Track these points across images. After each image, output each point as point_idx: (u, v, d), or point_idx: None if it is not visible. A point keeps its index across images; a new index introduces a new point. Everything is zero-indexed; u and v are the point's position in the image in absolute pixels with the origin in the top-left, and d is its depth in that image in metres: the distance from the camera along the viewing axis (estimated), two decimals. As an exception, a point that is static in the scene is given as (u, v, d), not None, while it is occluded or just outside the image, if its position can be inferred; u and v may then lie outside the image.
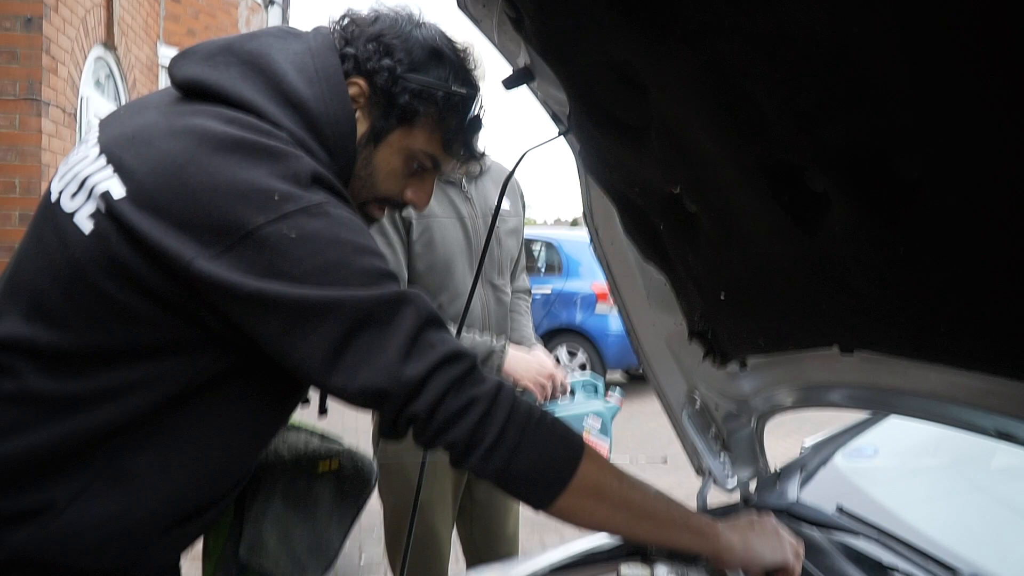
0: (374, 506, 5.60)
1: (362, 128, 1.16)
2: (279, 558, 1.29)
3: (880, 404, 1.21)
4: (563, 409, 2.26)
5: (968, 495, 1.46)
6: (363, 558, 4.26)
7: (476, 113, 1.21)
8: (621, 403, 2.43)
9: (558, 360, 10.13)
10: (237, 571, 1.29)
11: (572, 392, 2.34)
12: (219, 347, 1.02)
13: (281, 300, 0.94)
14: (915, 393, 1.02)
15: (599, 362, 9.10)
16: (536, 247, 10.42)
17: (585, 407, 2.34)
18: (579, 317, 9.41)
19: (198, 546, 1.35)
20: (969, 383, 0.91)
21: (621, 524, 1.10)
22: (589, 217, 1.60)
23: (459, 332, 1.49)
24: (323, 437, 1.42)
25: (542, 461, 1.02)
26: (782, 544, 1.16)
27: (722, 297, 1.28)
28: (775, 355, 1.27)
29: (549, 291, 9.58)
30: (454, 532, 2.58)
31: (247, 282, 0.93)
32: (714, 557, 1.15)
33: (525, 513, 2.61)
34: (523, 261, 2.63)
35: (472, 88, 1.20)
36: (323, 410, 1.42)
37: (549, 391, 2.33)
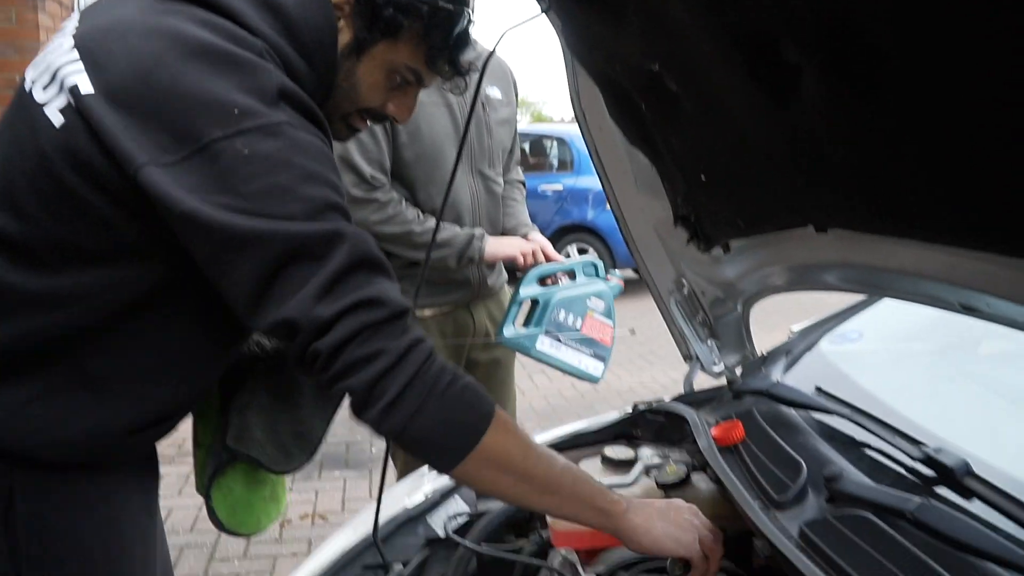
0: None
1: (344, 38, 1.12)
2: (265, 445, 1.33)
3: (855, 283, 1.21)
4: (565, 291, 2.26)
5: (951, 380, 1.47)
6: (374, 449, 4.42)
7: (463, 29, 1.16)
8: (622, 283, 2.44)
9: (568, 256, 10.17)
10: (227, 458, 1.33)
11: (573, 275, 2.33)
12: (176, 255, 1.01)
13: (214, 225, 0.93)
14: (886, 270, 1.01)
15: (609, 259, 9.11)
16: (548, 143, 10.27)
17: (587, 288, 2.35)
18: (590, 214, 9.37)
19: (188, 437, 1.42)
20: (936, 257, 0.90)
21: (523, 495, 1.08)
22: (576, 102, 1.56)
23: (439, 221, 1.49)
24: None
25: (444, 427, 0.99)
26: (689, 537, 1.13)
27: (703, 179, 1.27)
28: (755, 237, 1.27)
29: (560, 188, 9.50)
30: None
31: (185, 199, 0.92)
32: (619, 535, 1.12)
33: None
34: (517, 153, 2.59)
35: (459, 3, 1.15)
36: None
37: (532, 258, 2.35)
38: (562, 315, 2.30)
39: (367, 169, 2.13)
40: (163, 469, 1.39)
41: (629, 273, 10.14)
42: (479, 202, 2.36)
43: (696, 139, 1.18)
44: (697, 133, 1.16)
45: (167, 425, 1.21)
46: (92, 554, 1.17)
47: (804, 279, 1.32)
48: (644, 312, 1.73)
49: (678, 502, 1.21)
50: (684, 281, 1.68)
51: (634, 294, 9.74)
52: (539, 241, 2.44)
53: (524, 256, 2.36)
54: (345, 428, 4.84)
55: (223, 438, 1.32)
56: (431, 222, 2.23)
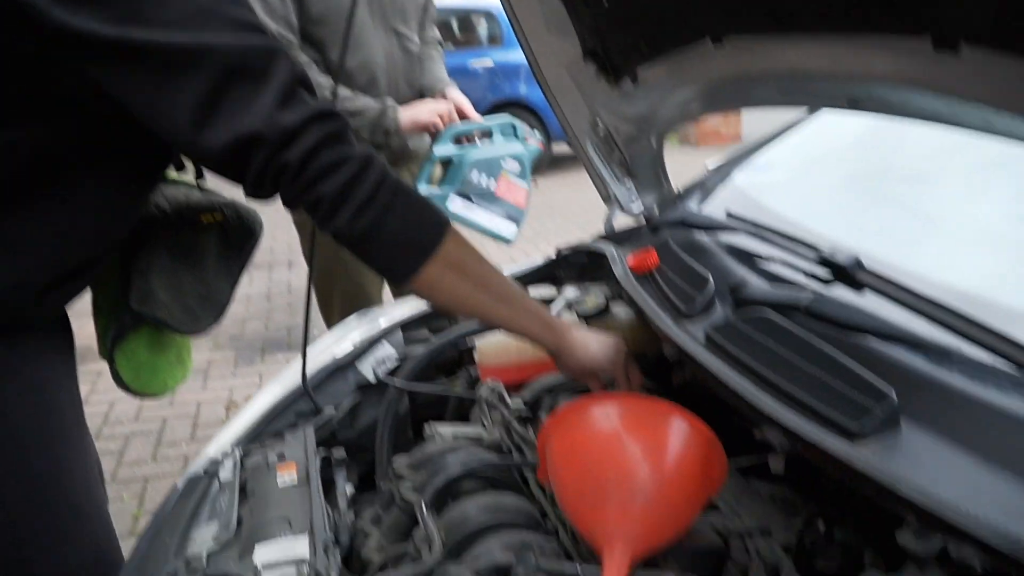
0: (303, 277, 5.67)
1: None
2: (170, 307, 1.33)
3: (753, 95, 1.23)
4: (480, 151, 2.24)
5: (855, 200, 1.52)
6: (315, 331, 4.43)
7: None
8: (542, 145, 2.42)
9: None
10: (131, 321, 1.33)
11: (490, 135, 2.31)
12: (83, 112, 0.98)
13: (147, 47, 0.88)
14: (779, 74, 1.03)
15: (545, 134, 9.04)
16: (476, 19, 9.94)
17: (503, 149, 2.33)
18: (523, 89, 9.20)
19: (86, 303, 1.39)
20: (820, 51, 0.92)
21: (480, 304, 1.10)
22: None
23: (340, 71, 1.45)
24: (204, 191, 1.41)
25: (411, 226, 1.01)
26: (619, 356, 1.21)
27: (606, 4, 1.25)
28: (659, 61, 1.26)
29: (491, 63, 9.26)
30: (385, 289, 2.67)
31: (109, 29, 0.87)
32: (555, 352, 1.16)
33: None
34: (433, 11, 2.51)
35: None
36: (200, 175, 1.41)
37: (449, 118, 2.32)
38: (475, 176, 2.31)
39: (272, 26, 2.04)
40: (99, 365, 1.38)
41: (565, 148, 10.05)
42: (395, 62, 2.29)
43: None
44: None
45: (80, 283, 1.19)
46: (22, 419, 1.17)
47: (709, 100, 1.33)
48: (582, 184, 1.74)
49: (601, 332, 1.26)
50: (599, 121, 1.68)
51: (571, 168, 9.63)
52: (456, 99, 2.40)
53: (442, 118, 2.32)
54: (286, 313, 4.85)
55: (126, 301, 1.32)
56: (344, 91, 2.17)
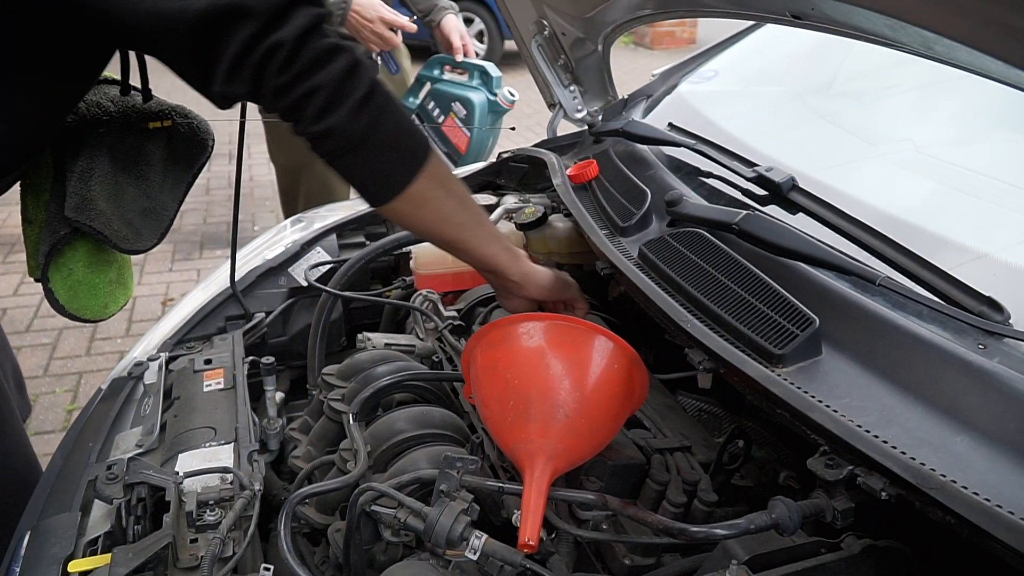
0: (265, 175, 5.55)
1: None
2: (110, 219, 1.20)
3: (702, 4, 1.19)
4: (442, 85, 2.25)
5: (797, 115, 1.51)
6: (256, 228, 4.33)
7: None
8: (511, 107, 2.39)
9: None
10: (67, 233, 1.20)
11: (468, 74, 2.33)
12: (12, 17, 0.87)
13: None
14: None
15: (496, 30, 8.74)
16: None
17: (461, 91, 2.30)
18: (475, -20, 8.84)
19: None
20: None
21: (461, 224, 1.02)
22: None
23: None
24: (152, 96, 1.27)
25: (405, 132, 0.92)
26: (573, 282, 1.17)
27: None
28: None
29: (441, -49, 8.86)
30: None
31: None
32: (520, 280, 1.09)
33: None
34: None
35: None
36: (147, 96, 1.26)
37: (383, 38, 2.26)
38: (431, 104, 2.41)
39: None
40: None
41: (514, 46, 9.83)
42: None
43: None
44: None
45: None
46: None
47: (656, 4, 1.28)
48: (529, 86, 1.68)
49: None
50: (545, 23, 1.61)
51: (523, 66, 9.44)
52: (449, 29, 2.36)
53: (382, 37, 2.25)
54: (226, 208, 4.71)
55: (61, 210, 1.18)
56: None
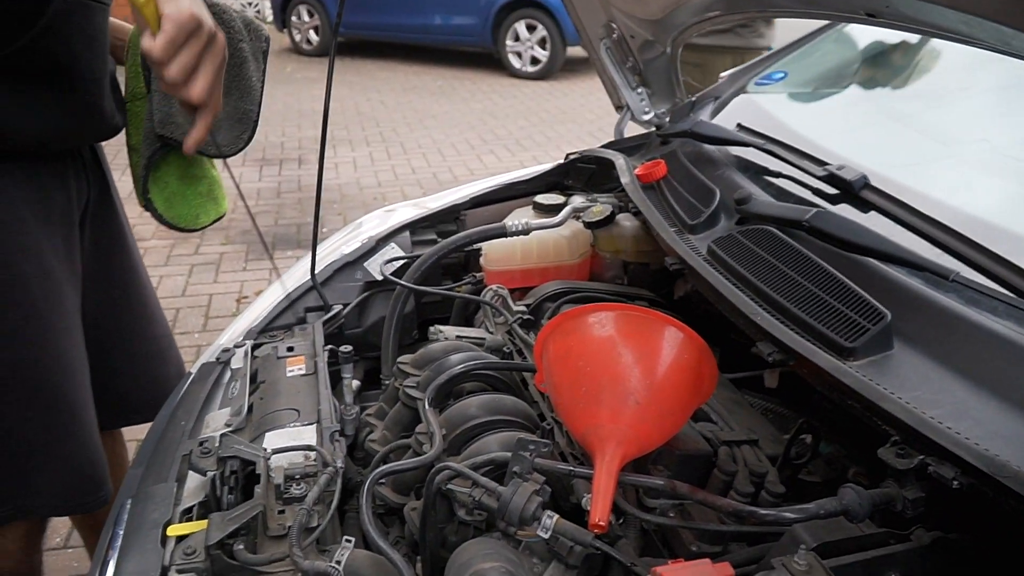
0: (331, 179, 5.69)
1: None
2: (189, 131, 1.32)
3: (774, 4, 1.20)
4: None
5: (869, 115, 1.50)
6: (325, 229, 4.45)
7: None
8: None
9: (517, 37, 9.67)
10: (158, 148, 1.38)
11: None
12: None
13: None
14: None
15: (559, 36, 8.78)
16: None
17: None
18: (539, -13, 8.90)
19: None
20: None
21: None
22: None
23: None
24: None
25: None
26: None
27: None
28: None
29: (506, -42, 8.93)
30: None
31: None
32: None
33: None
34: None
35: None
36: None
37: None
38: None
39: None
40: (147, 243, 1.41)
41: (579, 51, 9.80)
42: None
43: None
44: None
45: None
46: None
47: (727, 5, 1.30)
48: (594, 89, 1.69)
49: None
50: (614, 25, 1.64)
51: (585, 72, 9.43)
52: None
53: None
54: (296, 210, 4.86)
55: (152, 129, 1.35)
56: None
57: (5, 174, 1.23)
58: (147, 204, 1.45)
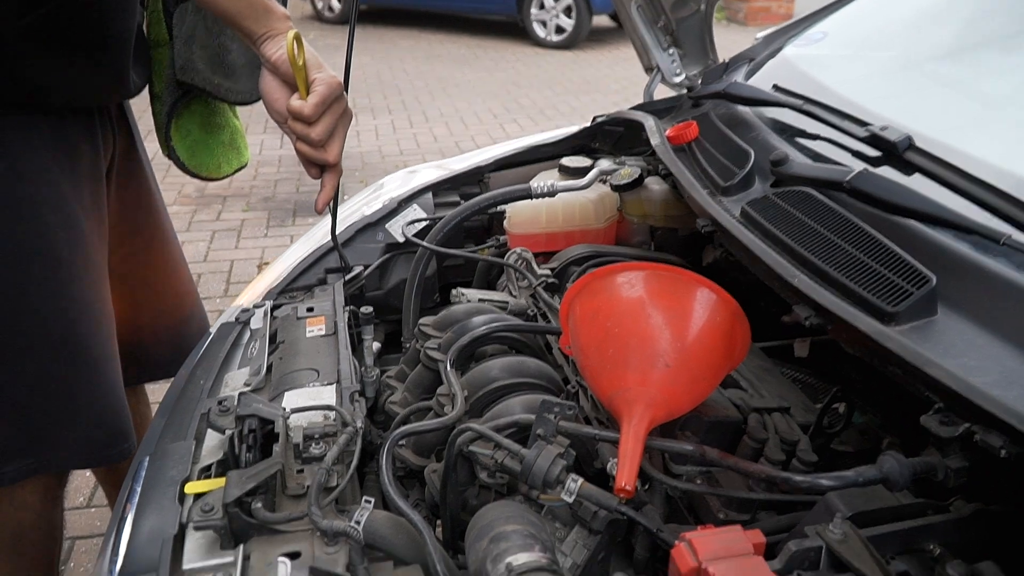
0: (352, 147, 5.68)
1: None
2: (211, 77, 1.38)
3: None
4: None
5: (911, 78, 1.44)
6: (345, 197, 4.43)
7: None
8: None
9: (542, 5, 9.58)
10: (180, 95, 1.40)
11: None
12: None
13: None
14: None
15: (585, 5, 8.65)
16: None
17: None
18: (567, -49, 8.75)
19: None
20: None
21: None
22: None
23: None
24: None
25: None
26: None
27: None
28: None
29: (533, -76, 8.77)
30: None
31: None
32: (259, 34, 1.05)
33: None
34: None
35: None
36: None
37: None
38: None
39: None
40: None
41: (605, 20, 9.67)
42: None
43: None
44: None
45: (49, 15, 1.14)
46: None
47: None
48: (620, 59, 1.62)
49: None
50: (647, -19, 1.59)
51: (610, 41, 9.30)
52: None
53: None
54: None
55: (174, 76, 1.37)
56: None
57: (32, 128, 1.22)
58: (170, 152, 1.46)
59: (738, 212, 1.10)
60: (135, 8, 1.32)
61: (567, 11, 8.85)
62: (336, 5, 10.16)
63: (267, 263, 3.70)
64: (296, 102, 1.04)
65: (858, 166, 1.09)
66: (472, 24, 9.84)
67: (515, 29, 9.27)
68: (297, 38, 1.02)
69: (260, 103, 1.17)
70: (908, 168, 1.07)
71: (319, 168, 1.12)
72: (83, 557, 2.08)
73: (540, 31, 9.02)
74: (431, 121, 6.11)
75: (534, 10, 8.97)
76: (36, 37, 1.15)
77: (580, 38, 8.88)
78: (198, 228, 4.05)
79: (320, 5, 10.25)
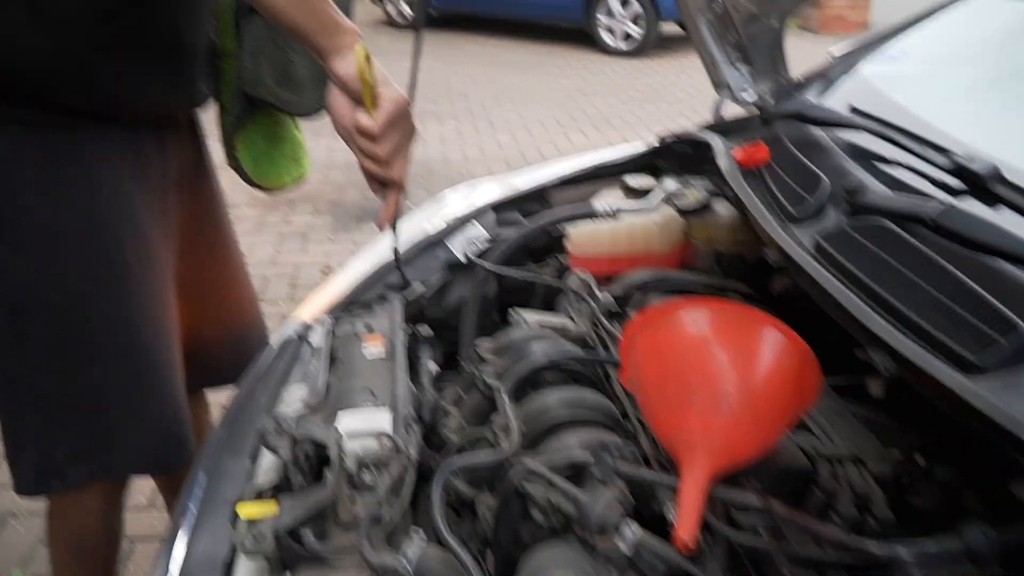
0: (416, 154, 5.78)
1: None
2: (277, 91, 1.42)
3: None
4: None
5: (999, 101, 1.37)
6: (410, 204, 4.47)
7: None
8: None
9: (610, 12, 9.57)
10: (245, 107, 1.44)
11: None
12: None
13: None
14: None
15: (652, 11, 8.56)
16: None
17: None
18: (635, -41, 8.67)
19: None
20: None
21: None
22: None
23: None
24: None
25: None
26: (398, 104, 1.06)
27: None
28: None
29: (604, -71, 8.71)
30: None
31: None
32: (328, 49, 1.04)
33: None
34: None
35: None
36: None
37: None
38: None
39: None
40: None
41: (673, 28, 9.58)
42: None
43: None
44: None
45: (121, 27, 1.18)
46: (62, 228, 1.22)
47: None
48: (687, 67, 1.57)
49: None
50: (718, -3, 1.54)
51: (678, 49, 9.21)
52: None
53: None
54: (381, 184, 4.89)
55: (241, 86, 1.41)
56: None
57: (107, 138, 1.25)
58: (234, 162, 1.49)
59: (810, 243, 1.06)
60: (208, 20, 1.34)
61: (635, 19, 8.78)
62: (407, 11, 10.30)
63: (330, 268, 3.75)
64: (363, 118, 1.04)
65: (941, 198, 1.04)
66: (539, 31, 9.84)
67: (582, 36, 9.24)
68: (366, 55, 1.02)
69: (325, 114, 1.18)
70: (995, 202, 1.01)
71: (383, 184, 1.11)
72: (142, 559, 2.13)
73: (607, 38, 8.97)
74: (496, 128, 6.12)
75: (601, 17, 8.92)
76: (111, 48, 1.18)
77: (648, 46, 8.79)
78: (267, 231, 4.14)
79: (392, 11, 10.40)
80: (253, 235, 4.04)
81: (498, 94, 7.17)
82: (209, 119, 1.52)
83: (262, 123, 1.50)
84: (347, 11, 1.43)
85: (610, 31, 8.93)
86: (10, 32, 1.09)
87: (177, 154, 1.41)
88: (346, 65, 1.03)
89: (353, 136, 1.06)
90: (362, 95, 1.03)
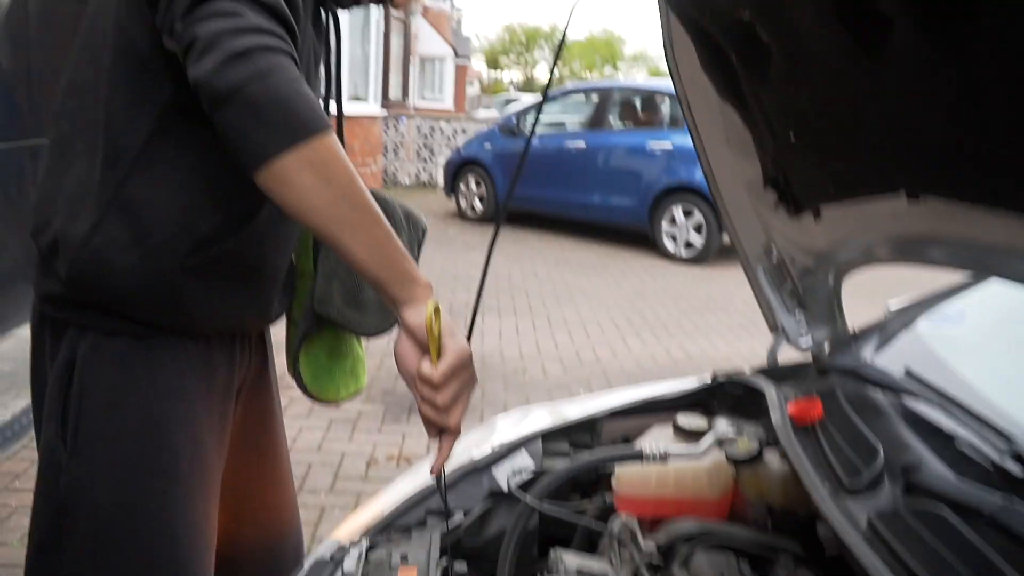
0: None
1: None
2: (345, 312, 1.46)
3: (950, 258, 1.11)
4: None
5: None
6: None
7: None
8: None
9: (673, 220, 9.89)
10: (313, 324, 1.48)
11: None
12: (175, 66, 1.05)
13: None
14: (984, 246, 0.93)
15: (715, 223, 8.85)
16: (660, 99, 10.00)
17: None
18: (699, 175, 9.08)
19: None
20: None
21: (334, 220, 1.00)
22: (669, 51, 1.49)
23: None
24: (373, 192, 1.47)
25: (280, 105, 0.94)
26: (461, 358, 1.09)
27: (793, 139, 1.19)
28: (845, 203, 1.18)
29: (670, 146, 9.24)
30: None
31: None
32: (401, 300, 1.07)
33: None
34: None
35: None
36: None
37: None
38: None
39: None
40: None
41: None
42: None
43: (786, 96, 1.10)
44: (787, 90, 1.09)
45: (214, 254, 1.25)
46: (120, 443, 1.25)
47: (896, 251, 1.23)
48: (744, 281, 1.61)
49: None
50: (773, 247, 1.60)
51: (733, 260, 9.42)
52: None
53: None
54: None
55: (311, 306, 1.46)
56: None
57: (178, 348, 1.31)
58: (295, 374, 1.53)
59: (863, 520, 1.02)
60: (292, 247, 1.44)
61: (697, 228, 9.08)
62: (479, 206, 10.89)
63: (376, 461, 3.74)
64: (427, 367, 1.08)
65: (998, 485, 1.00)
66: (603, 232, 10.21)
67: (645, 239, 9.54)
68: (436, 307, 1.07)
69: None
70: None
71: (438, 430, 1.13)
72: None
73: (670, 245, 9.25)
74: (554, 326, 6.23)
75: (665, 224, 9.25)
76: (200, 274, 1.26)
77: (709, 255, 9.02)
78: (317, 416, 4.18)
79: (464, 204, 11.01)
80: (304, 419, 4.08)
81: (559, 292, 7.36)
82: (276, 329, 1.58)
83: (327, 338, 1.55)
84: (414, 251, 1.53)
85: (672, 238, 9.23)
86: (111, 256, 1.19)
87: (244, 363, 1.46)
88: (416, 316, 1.08)
89: (415, 382, 1.10)
90: (428, 344, 1.08)
